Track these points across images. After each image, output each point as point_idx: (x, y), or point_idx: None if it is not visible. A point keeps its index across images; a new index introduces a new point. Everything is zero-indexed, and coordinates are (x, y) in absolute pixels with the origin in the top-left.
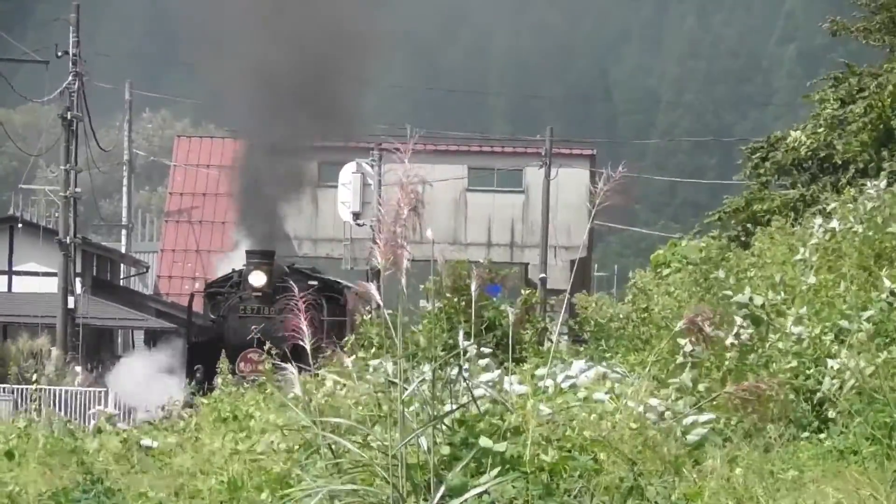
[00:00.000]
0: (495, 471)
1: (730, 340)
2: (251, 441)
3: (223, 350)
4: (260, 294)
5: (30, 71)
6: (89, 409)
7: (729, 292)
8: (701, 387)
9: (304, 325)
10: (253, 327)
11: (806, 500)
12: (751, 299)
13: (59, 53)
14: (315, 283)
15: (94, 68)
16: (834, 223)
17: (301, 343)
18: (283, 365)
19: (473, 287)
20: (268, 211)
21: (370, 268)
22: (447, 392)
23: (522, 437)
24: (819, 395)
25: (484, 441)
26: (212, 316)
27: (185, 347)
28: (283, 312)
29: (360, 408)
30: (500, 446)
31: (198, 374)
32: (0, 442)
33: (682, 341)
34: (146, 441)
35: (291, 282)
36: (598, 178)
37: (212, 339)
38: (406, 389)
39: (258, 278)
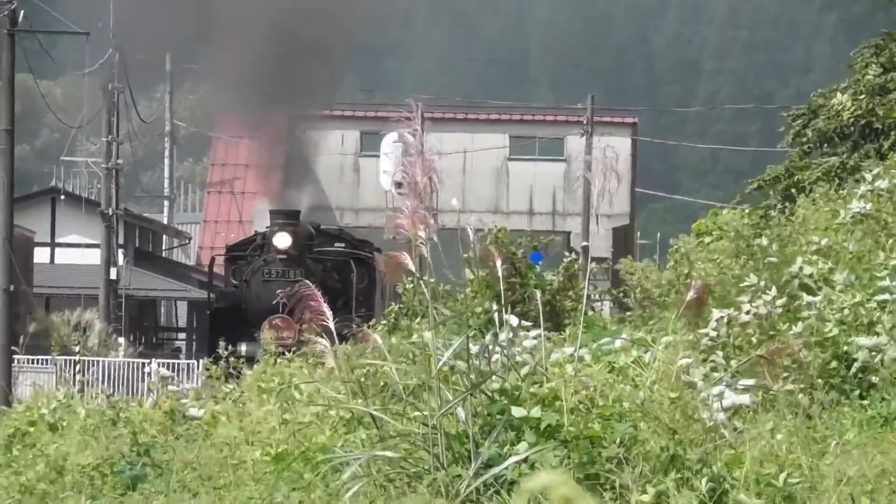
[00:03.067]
0: (533, 439)
1: (744, 318)
2: (296, 412)
3: (246, 316)
4: (285, 256)
5: (70, 42)
6: (133, 379)
7: (773, 259)
8: (733, 363)
9: (325, 308)
10: (278, 292)
11: (850, 466)
12: (801, 269)
13: (100, 25)
14: (342, 244)
15: (135, 40)
16: (882, 183)
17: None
18: (315, 339)
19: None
20: (292, 170)
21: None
22: (486, 361)
23: (559, 404)
24: (858, 363)
25: (516, 411)
26: (234, 281)
27: (206, 314)
28: (309, 276)
29: (404, 377)
30: (536, 413)
31: (221, 343)
32: (44, 413)
33: (711, 325)
34: (193, 411)
35: (318, 243)
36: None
37: (234, 305)
38: (441, 359)
39: (283, 240)
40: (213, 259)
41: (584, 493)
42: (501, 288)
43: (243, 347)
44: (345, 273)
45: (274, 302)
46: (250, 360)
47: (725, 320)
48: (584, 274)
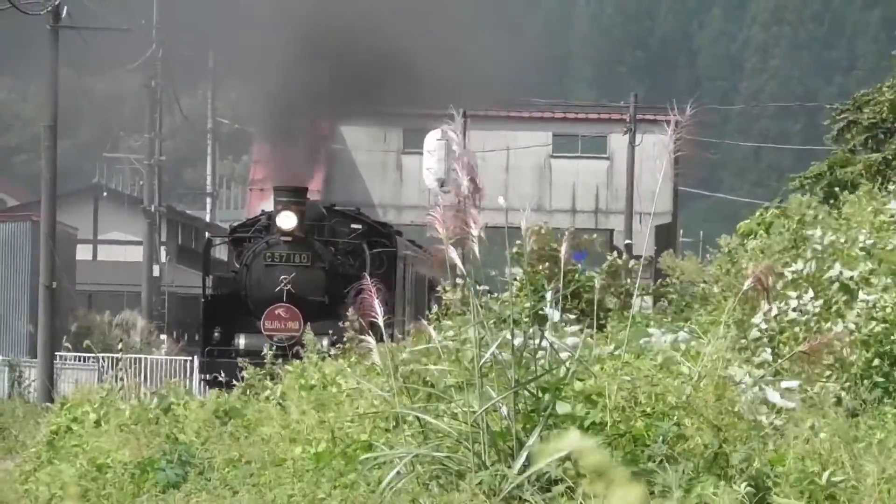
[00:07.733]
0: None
1: (791, 315)
2: (337, 410)
3: (246, 305)
4: (290, 238)
5: (112, 39)
6: (174, 377)
7: (817, 245)
8: (784, 363)
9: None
10: (282, 277)
11: (892, 464)
12: (841, 273)
13: (143, 21)
14: (359, 226)
15: (178, 36)
16: None
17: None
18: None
19: (564, 250)
20: (300, 137)
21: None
22: (530, 358)
23: (602, 401)
24: None
25: (561, 407)
26: (235, 265)
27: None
28: (317, 261)
29: (448, 375)
30: (580, 410)
31: (216, 335)
32: (88, 410)
33: (756, 319)
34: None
35: (331, 225)
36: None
37: (233, 293)
38: (483, 356)
39: (287, 220)
40: (209, 241)
41: (613, 461)
42: (551, 283)
43: (242, 340)
44: (360, 257)
45: (277, 289)
46: (252, 353)
47: (773, 313)
48: (626, 271)
